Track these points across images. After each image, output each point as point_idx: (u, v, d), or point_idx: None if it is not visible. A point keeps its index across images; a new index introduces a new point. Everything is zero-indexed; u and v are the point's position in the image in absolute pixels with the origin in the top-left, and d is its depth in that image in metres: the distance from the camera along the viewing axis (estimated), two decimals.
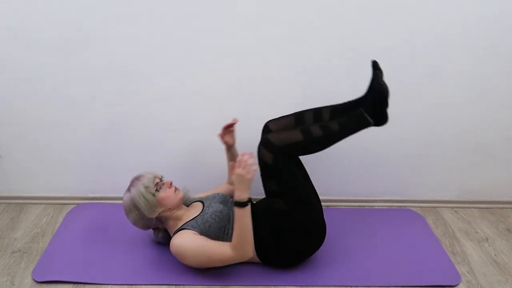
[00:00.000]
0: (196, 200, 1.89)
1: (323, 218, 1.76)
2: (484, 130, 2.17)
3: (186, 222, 1.72)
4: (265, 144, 1.65)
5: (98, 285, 1.68)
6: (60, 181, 2.21)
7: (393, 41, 1.98)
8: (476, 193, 2.31)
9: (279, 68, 2.02)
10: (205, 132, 2.13)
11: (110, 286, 1.68)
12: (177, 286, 1.68)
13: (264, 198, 1.81)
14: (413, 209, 2.27)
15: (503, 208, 2.31)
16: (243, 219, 1.61)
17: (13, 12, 1.88)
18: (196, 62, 1.99)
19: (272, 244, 1.71)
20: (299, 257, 1.77)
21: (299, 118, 1.83)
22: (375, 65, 1.74)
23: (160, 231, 1.85)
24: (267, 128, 1.85)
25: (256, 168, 1.64)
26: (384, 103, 1.71)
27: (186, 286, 1.68)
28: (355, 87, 2.06)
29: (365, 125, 1.71)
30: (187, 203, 1.91)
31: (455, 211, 2.27)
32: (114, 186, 2.22)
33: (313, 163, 1.96)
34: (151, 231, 1.91)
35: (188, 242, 1.64)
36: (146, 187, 1.71)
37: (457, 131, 2.17)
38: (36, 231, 2.01)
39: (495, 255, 1.93)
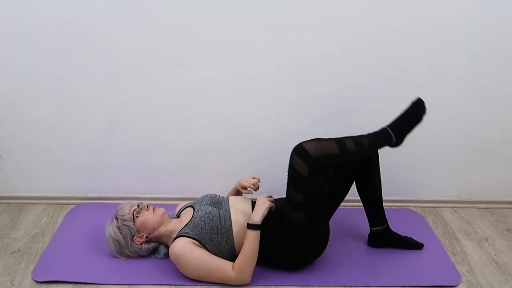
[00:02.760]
0: (187, 206, 1.87)
1: (329, 226, 1.77)
2: (484, 130, 2.17)
3: (180, 231, 1.72)
4: (300, 154, 1.60)
5: (98, 285, 1.67)
6: (60, 181, 2.21)
7: (393, 41, 1.98)
8: (476, 193, 2.31)
9: (280, 68, 2.02)
10: (205, 132, 2.13)
11: (110, 286, 1.67)
12: (177, 286, 1.68)
13: (282, 199, 1.82)
14: (413, 209, 2.27)
15: (503, 208, 2.31)
16: (252, 243, 1.64)
17: (13, 12, 1.88)
18: (196, 62, 1.99)
19: (276, 249, 1.71)
20: (300, 263, 1.77)
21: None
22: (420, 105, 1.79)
23: (159, 248, 1.82)
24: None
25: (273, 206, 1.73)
26: (412, 127, 1.77)
27: (186, 286, 1.68)
28: (355, 87, 2.07)
29: (388, 142, 1.75)
30: (178, 213, 1.91)
31: (455, 211, 2.27)
32: (114, 186, 2.22)
33: None
34: None
35: (188, 252, 1.64)
36: (122, 219, 1.73)
37: (457, 131, 2.17)
38: (36, 231, 2.00)
39: (495, 255, 1.93)
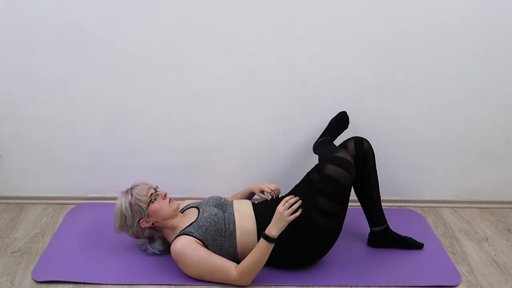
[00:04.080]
0: (191, 206, 1.87)
1: None
2: (484, 130, 2.17)
3: (183, 229, 1.71)
4: (344, 165, 1.61)
5: (98, 285, 1.67)
6: (60, 181, 2.21)
7: (393, 41, 1.98)
8: (476, 193, 2.31)
9: (280, 68, 2.02)
10: (205, 132, 2.13)
11: (110, 286, 1.67)
12: (177, 286, 1.68)
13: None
14: (413, 209, 2.27)
15: (503, 208, 2.31)
16: (263, 253, 1.63)
17: (13, 12, 1.88)
18: (196, 62, 1.99)
19: (288, 249, 1.71)
20: (310, 262, 1.78)
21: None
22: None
23: (156, 241, 1.83)
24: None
25: (298, 214, 1.65)
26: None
27: (186, 286, 1.68)
28: (355, 87, 2.07)
29: None
30: (182, 210, 1.90)
31: (455, 211, 2.27)
32: (114, 186, 2.21)
33: (314, 164, 1.96)
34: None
35: (190, 250, 1.63)
36: (138, 198, 1.71)
37: (457, 131, 2.17)
38: (36, 231, 2.00)
39: (495, 255, 1.93)
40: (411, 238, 1.92)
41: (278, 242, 1.65)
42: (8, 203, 2.21)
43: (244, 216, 1.75)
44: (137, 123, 2.10)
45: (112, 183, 2.21)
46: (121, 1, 1.87)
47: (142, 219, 1.72)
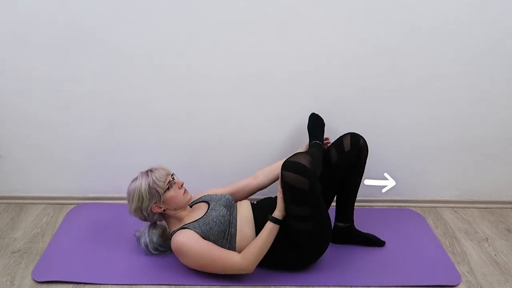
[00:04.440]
0: (203, 200, 1.87)
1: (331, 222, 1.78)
2: (484, 130, 2.17)
3: (188, 223, 1.72)
4: (296, 169, 1.60)
5: (98, 285, 1.68)
6: (60, 181, 2.21)
7: (392, 41, 1.98)
8: (476, 193, 2.31)
9: (279, 68, 2.02)
10: (205, 132, 2.13)
11: (110, 286, 1.68)
12: (177, 286, 1.68)
13: (266, 199, 1.84)
14: (413, 209, 2.27)
15: (503, 208, 2.31)
16: (269, 234, 1.65)
17: (13, 12, 1.88)
18: (196, 62, 1.99)
19: (285, 253, 1.71)
20: (308, 263, 1.78)
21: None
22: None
23: (156, 228, 1.82)
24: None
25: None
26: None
27: (186, 286, 1.68)
28: (355, 87, 2.07)
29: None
30: (192, 202, 1.89)
31: (455, 211, 2.27)
32: (114, 186, 2.22)
33: None
34: (138, 237, 1.88)
35: (192, 241, 1.64)
36: (156, 183, 1.70)
37: (457, 131, 2.17)
38: (36, 231, 2.01)
39: (495, 255, 1.93)
40: (373, 235, 1.92)
41: (273, 249, 1.67)
42: (8, 203, 2.21)
43: (244, 220, 1.76)
44: (137, 123, 2.10)
45: (112, 183, 2.21)
46: (121, 1, 1.87)
47: (155, 204, 1.72)
